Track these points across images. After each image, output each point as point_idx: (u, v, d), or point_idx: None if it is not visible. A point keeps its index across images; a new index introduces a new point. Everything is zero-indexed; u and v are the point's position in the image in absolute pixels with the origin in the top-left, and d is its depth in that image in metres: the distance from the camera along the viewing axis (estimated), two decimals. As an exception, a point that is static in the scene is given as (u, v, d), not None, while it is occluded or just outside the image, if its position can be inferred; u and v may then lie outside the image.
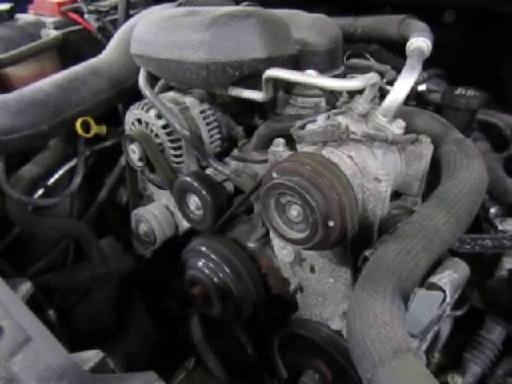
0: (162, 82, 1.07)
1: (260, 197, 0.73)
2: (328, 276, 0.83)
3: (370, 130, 0.73)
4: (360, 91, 0.76)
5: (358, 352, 0.50)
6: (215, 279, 0.94)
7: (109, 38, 1.38)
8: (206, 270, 0.96)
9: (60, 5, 1.40)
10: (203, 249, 0.98)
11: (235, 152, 1.04)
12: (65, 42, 1.34)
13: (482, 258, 0.87)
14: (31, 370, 0.43)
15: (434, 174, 0.82)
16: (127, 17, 1.42)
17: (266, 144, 1.01)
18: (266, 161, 1.01)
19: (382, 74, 1.13)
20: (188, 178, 0.92)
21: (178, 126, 0.93)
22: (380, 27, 1.01)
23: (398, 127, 0.72)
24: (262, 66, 0.84)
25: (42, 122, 1.01)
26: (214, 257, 0.95)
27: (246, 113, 1.10)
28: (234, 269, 0.94)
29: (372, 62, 1.13)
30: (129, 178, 1.11)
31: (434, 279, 0.57)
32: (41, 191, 1.25)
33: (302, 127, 0.78)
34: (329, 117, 0.75)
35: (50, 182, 1.27)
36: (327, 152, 0.71)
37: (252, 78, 0.86)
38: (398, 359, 0.46)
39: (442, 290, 0.55)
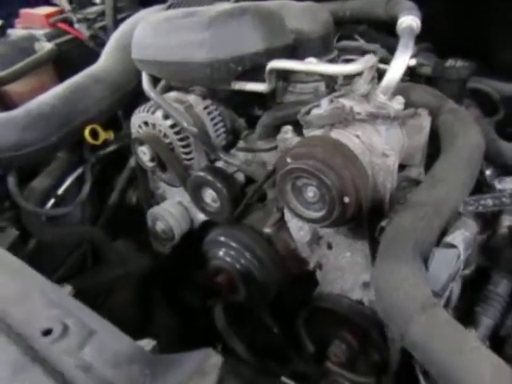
0: (162, 83, 1.10)
1: (276, 182, 0.78)
2: (345, 250, 0.89)
3: (373, 109, 0.77)
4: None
5: (388, 312, 0.55)
6: (238, 266, 0.99)
7: (101, 45, 1.41)
8: (228, 259, 1.01)
9: (48, 16, 1.42)
10: (222, 238, 1.03)
11: (241, 143, 1.08)
12: (58, 53, 1.36)
13: (482, 218, 0.92)
14: (102, 358, 0.47)
15: (432, 144, 0.88)
16: (115, 22, 1.45)
17: (270, 133, 1.05)
18: (272, 149, 1.05)
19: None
20: (202, 173, 0.96)
21: (185, 124, 0.96)
22: (368, 8, 1.05)
23: (398, 103, 0.77)
24: (262, 59, 0.88)
25: (50, 135, 1.04)
26: (234, 244, 1.00)
27: (245, 104, 1.14)
28: (255, 254, 0.98)
29: (361, 42, 1.17)
30: (140, 178, 1.15)
31: (448, 239, 0.62)
32: (52, 201, 1.29)
33: (308, 113, 0.82)
34: (332, 100, 0.80)
35: (60, 191, 1.31)
36: (335, 134, 0.76)
37: (253, 71, 0.90)
38: (426, 313, 0.52)
39: (456, 247, 0.61)
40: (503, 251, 0.97)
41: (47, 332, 0.50)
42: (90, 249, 1.39)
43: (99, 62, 1.20)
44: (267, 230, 1.03)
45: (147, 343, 0.59)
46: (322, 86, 1.01)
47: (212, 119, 1.06)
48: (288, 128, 0.84)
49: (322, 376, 1.08)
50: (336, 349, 0.94)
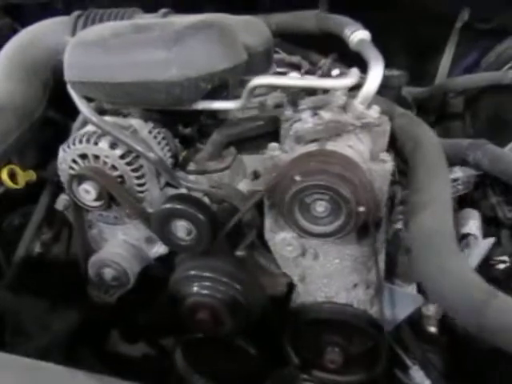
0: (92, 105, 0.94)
1: (283, 203, 0.75)
2: (333, 258, 0.90)
3: (354, 119, 0.81)
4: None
5: (458, 305, 0.58)
6: (220, 296, 0.92)
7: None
8: (208, 291, 0.92)
9: None
10: (194, 272, 0.94)
11: (192, 166, 1.00)
12: None
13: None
14: None
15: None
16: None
17: (220, 151, 1.01)
18: (226, 168, 1.01)
19: (297, 66, 1.23)
20: (172, 205, 0.86)
21: (144, 151, 0.85)
22: (296, 22, 1.08)
23: (375, 112, 0.82)
24: (229, 75, 0.83)
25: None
26: (212, 275, 0.92)
27: (172, 124, 1.06)
28: (236, 278, 0.93)
29: (283, 54, 1.20)
30: (77, 223, 0.96)
31: (466, 230, 0.69)
32: None
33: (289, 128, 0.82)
34: (315, 114, 0.80)
35: None
36: (331, 146, 0.77)
37: (217, 89, 0.85)
38: (496, 298, 0.56)
39: (475, 236, 0.68)
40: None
41: None
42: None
43: (-9, 87, 0.96)
44: (239, 254, 0.98)
45: None
46: (268, 100, 1.01)
47: (159, 143, 0.96)
48: (275, 145, 0.81)
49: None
50: (332, 356, 0.95)
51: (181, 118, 1.03)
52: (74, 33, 1.00)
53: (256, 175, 1.07)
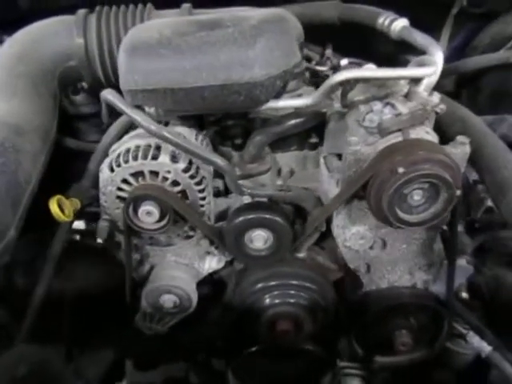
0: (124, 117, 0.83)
1: (379, 197, 0.73)
2: (401, 244, 0.91)
3: (420, 106, 0.82)
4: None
5: None
6: (300, 301, 0.88)
7: None
8: (284, 300, 0.88)
9: None
10: (263, 284, 0.89)
11: (237, 170, 0.94)
12: None
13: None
14: None
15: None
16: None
17: (262, 152, 0.96)
18: (269, 169, 0.96)
19: (306, 58, 1.20)
20: (246, 216, 0.79)
21: (216, 160, 0.77)
22: (313, 13, 1.06)
23: (437, 98, 0.84)
24: (295, 72, 0.79)
25: (6, 227, 0.64)
26: (285, 282, 0.88)
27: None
28: (311, 280, 0.90)
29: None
30: (127, 250, 0.84)
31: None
32: None
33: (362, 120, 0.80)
34: (388, 103, 0.80)
35: None
36: (415, 135, 0.77)
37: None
38: None
39: None
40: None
41: None
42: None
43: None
44: (301, 255, 0.95)
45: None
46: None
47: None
48: (355, 139, 0.79)
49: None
50: (402, 338, 0.97)
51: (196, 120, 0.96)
52: (85, 34, 0.87)
53: (292, 173, 1.04)
